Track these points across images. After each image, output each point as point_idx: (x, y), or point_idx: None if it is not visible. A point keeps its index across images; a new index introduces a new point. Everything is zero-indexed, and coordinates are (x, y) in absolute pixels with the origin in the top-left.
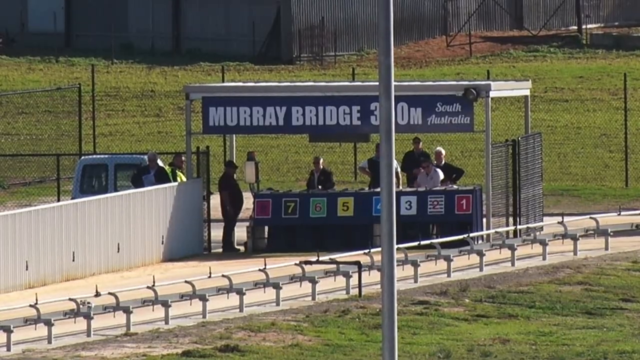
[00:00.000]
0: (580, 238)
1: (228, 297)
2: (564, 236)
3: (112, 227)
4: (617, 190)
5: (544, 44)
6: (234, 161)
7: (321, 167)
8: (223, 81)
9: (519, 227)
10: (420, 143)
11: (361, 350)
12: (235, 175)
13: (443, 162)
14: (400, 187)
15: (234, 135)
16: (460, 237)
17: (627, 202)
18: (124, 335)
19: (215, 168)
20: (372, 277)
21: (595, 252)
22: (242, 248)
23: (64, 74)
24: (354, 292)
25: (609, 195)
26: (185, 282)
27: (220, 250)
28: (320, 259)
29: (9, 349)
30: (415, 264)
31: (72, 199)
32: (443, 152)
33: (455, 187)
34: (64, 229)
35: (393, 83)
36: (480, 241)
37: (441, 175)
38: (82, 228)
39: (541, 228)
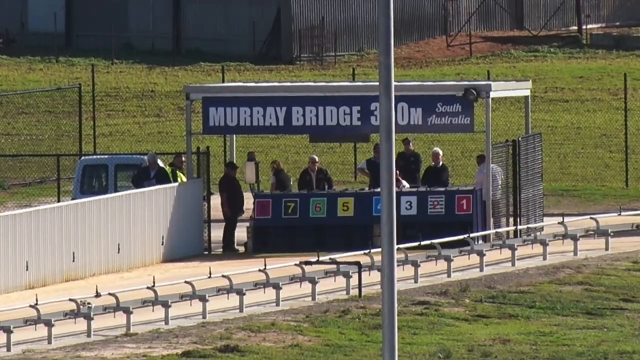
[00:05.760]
0: (580, 238)
1: (228, 298)
2: (564, 236)
3: (113, 227)
4: (617, 191)
5: (544, 44)
6: (235, 162)
7: (316, 166)
8: (223, 81)
9: (519, 227)
10: (411, 143)
11: (361, 351)
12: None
13: (441, 162)
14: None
15: (234, 136)
16: (461, 237)
17: (627, 203)
18: (124, 336)
19: (215, 168)
20: (372, 278)
21: (595, 252)
22: (242, 248)
23: (64, 74)
24: (354, 292)
25: (609, 195)
26: (185, 282)
27: (221, 250)
28: (321, 259)
29: (9, 350)
30: (415, 264)
31: (73, 199)
32: (440, 152)
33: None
34: (64, 229)
35: (393, 83)
36: (480, 241)
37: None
38: (82, 228)
39: (541, 228)
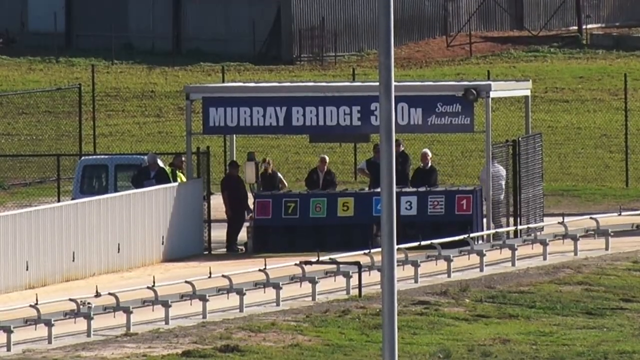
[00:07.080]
0: (580, 238)
1: (228, 298)
2: (565, 236)
3: (113, 227)
4: (617, 191)
5: (544, 44)
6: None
7: (326, 167)
8: (223, 81)
9: (519, 227)
10: (401, 145)
11: (361, 351)
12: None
13: (430, 163)
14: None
15: (234, 136)
16: (461, 237)
17: (627, 203)
18: (124, 336)
19: (215, 168)
20: (372, 278)
21: (595, 252)
22: (242, 248)
23: (64, 74)
24: (354, 292)
25: (609, 195)
26: (186, 282)
27: (224, 250)
28: (321, 259)
29: (9, 349)
30: (415, 264)
31: (73, 199)
32: (429, 153)
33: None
34: (64, 229)
35: (393, 83)
36: (480, 241)
37: None
38: (82, 228)
39: (541, 228)
